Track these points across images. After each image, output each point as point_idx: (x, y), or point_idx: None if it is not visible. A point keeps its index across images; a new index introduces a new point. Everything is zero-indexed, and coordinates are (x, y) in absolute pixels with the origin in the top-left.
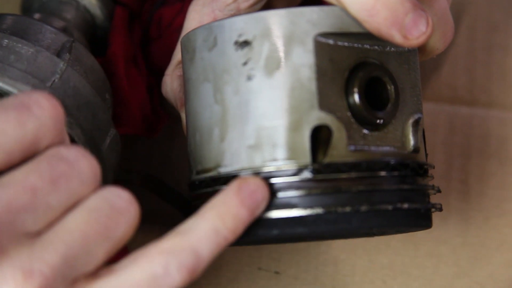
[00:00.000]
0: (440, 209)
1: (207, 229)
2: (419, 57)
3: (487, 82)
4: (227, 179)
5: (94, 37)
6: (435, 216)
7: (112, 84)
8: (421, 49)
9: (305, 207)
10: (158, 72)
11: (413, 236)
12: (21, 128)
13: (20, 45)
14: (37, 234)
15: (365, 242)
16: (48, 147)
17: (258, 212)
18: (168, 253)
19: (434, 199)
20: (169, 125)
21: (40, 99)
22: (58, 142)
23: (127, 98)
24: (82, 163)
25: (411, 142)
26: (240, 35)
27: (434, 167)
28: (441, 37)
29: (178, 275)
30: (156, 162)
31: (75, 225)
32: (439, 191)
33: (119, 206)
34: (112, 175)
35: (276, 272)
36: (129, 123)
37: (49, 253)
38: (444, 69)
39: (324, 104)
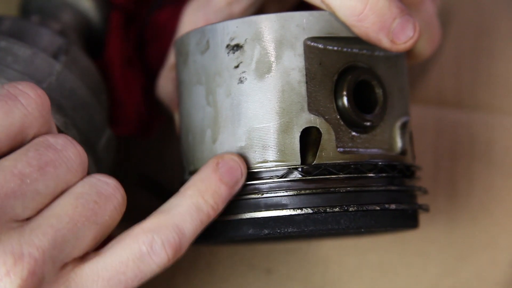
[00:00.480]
0: (427, 210)
1: (189, 206)
2: (407, 61)
3: (474, 85)
4: None
5: (91, 39)
6: (423, 216)
7: (108, 85)
8: (409, 53)
9: (295, 207)
10: (153, 74)
11: (401, 235)
12: (8, 117)
13: (17, 47)
14: (26, 220)
15: (355, 242)
16: (35, 135)
17: (237, 188)
18: (152, 231)
19: (422, 200)
20: (164, 126)
21: (26, 89)
22: (46, 131)
23: (123, 99)
24: (69, 151)
25: (399, 144)
26: (232, 39)
27: (421, 169)
28: (428, 42)
29: (163, 252)
30: (151, 162)
31: (63, 210)
32: (426, 192)
33: (106, 192)
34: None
35: (268, 271)
36: (124, 123)
37: (38, 238)
38: (432, 72)
39: (313, 106)
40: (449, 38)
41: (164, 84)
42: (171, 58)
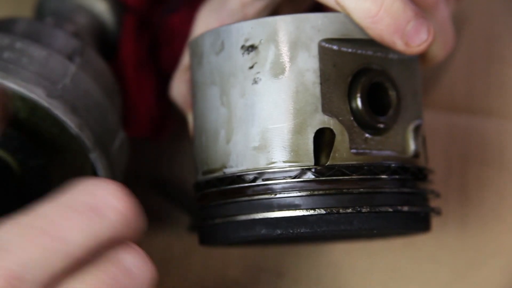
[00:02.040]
0: (439, 213)
1: None
2: (421, 65)
3: (486, 91)
4: (232, 179)
5: (105, 41)
6: (435, 222)
7: (121, 87)
8: (422, 56)
9: (307, 207)
10: (166, 77)
11: (412, 240)
12: (89, 233)
13: (32, 48)
14: None
15: (366, 246)
16: (115, 245)
17: None
18: None
19: (434, 204)
20: (176, 128)
21: (111, 200)
22: (126, 239)
23: (135, 101)
24: (144, 275)
25: (412, 147)
26: (246, 40)
27: (434, 172)
28: (442, 46)
29: None
30: (163, 164)
31: None
32: (438, 195)
33: None
34: (120, 177)
35: (279, 274)
36: (136, 125)
37: None
38: (444, 78)
39: (327, 107)
40: (461, 44)
41: (178, 85)
42: (185, 60)
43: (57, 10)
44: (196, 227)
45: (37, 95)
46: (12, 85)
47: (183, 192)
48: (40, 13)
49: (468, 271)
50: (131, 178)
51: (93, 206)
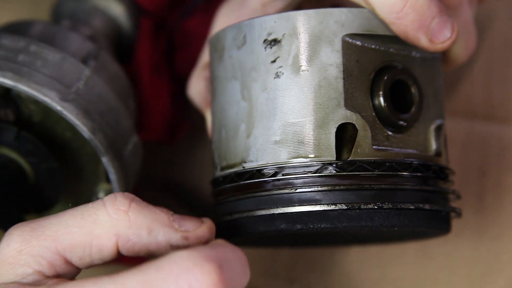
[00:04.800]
0: (460, 214)
1: None
2: (443, 66)
3: (505, 98)
4: (252, 174)
5: (121, 44)
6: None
7: (136, 91)
8: (445, 57)
9: (328, 202)
10: (182, 81)
11: (426, 248)
12: None
13: (46, 51)
14: None
15: (379, 254)
16: None
17: None
18: None
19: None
20: (190, 132)
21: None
22: None
23: (150, 105)
24: None
25: (433, 146)
26: (269, 34)
27: (455, 173)
28: (464, 46)
29: None
30: (176, 168)
31: None
32: (459, 196)
33: None
34: (134, 180)
35: (290, 281)
36: (151, 129)
37: None
38: (462, 84)
39: (350, 103)
40: (480, 50)
41: (196, 83)
42: (204, 57)
43: (73, 13)
44: None
45: (50, 98)
46: (26, 88)
47: (195, 195)
48: (56, 16)
49: (483, 281)
50: (143, 181)
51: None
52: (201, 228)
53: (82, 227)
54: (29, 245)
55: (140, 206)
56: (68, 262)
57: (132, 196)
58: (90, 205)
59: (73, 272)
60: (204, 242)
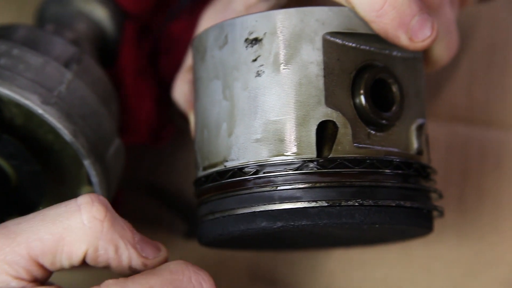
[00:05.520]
0: (442, 213)
1: None
2: (425, 68)
3: (486, 101)
4: (233, 172)
5: (105, 48)
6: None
7: (120, 94)
8: (426, 58)
9: (309, 200)
10: (166, 85)
11: (408, 251)
12: None
13: (29, 55)
14: None
15: (361, 256)
16: None
17: None
18: None
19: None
20: (174, 135)
21: None
22: None
23: (134, 108)
24: None
25: (415, 145)
26: (250, 33)
27: (437, 172)
28: (446, 47)
29: None
30: (161, 171)
31: None
32: (441, 195)
33: None
34: (116, 183)
35: (272, 282)
36: (135, 133)
37: None
38: (444, 88)
39: (330, 100)
40: (463, 54)
41: (181, 86)
42: (188, 60)
43: (57, 17)
44: (193, 228)
45: (31, 101)
46: (7, 91)
47: (180, 198)
48: (41, 20)
49: (463, 282)
50: (128, 184)
51: None
52: (159, 258)
53: (53, 233)
54: (3, 253)
55: (113, 218)
56: (41, 266)
57: (106, 202)
58: (63, 207)
59: (46, 275)
60: None
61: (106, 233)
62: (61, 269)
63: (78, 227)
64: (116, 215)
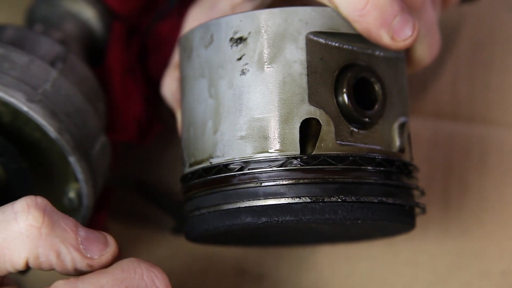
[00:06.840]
0: (424, 209)
1: None
2: (408, 69)
3: (470, 98)
4: (218, 169)
5: (93, 48)
6: (415, 226)
7: (107, 93)
8: (409, 59)
9: (293, 196)
10: (155, 84)
11: (392, 244)
12: None
13: (14, 54)
14: None
15: (347, 250)
16: None
17: None
18: None
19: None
20: (162, 134)
21: None
22: None
23: (121, 106)
24: None
25: (397, 143)
26: (235, 32)
27: (419, 170)
28: (428, 48)
29: None
30: (149, 169)
31: None
32: (423, 193)
33: None
34: (103, 179)
35: (260, 276)
36: (122, 130)
37: None
38: (429, 85)
39: (314, 98)
40: (447, 51)
41: (168, 83)
42: (176, 57)
43: (46, 17)
44: (181, 225)
45: (16, 99)
46: None
47: (168, 195)
48: (30, 20)
49: (448, 275)
50: (117, 181)
51: None
52: (105, 256)
53: None
54: None
55: (52, 222)
56: None
57: (45, 204)
58: (0, 215)
59: None
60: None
61: (45, 240)
62: (10, 273)
63: (15, 237)
64: (56, 216)
